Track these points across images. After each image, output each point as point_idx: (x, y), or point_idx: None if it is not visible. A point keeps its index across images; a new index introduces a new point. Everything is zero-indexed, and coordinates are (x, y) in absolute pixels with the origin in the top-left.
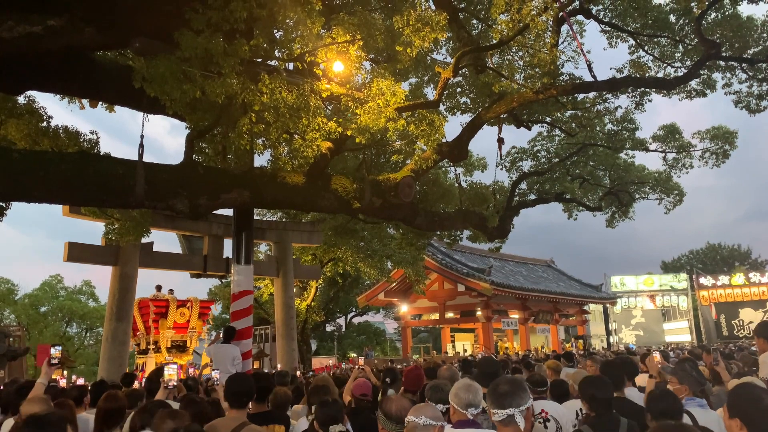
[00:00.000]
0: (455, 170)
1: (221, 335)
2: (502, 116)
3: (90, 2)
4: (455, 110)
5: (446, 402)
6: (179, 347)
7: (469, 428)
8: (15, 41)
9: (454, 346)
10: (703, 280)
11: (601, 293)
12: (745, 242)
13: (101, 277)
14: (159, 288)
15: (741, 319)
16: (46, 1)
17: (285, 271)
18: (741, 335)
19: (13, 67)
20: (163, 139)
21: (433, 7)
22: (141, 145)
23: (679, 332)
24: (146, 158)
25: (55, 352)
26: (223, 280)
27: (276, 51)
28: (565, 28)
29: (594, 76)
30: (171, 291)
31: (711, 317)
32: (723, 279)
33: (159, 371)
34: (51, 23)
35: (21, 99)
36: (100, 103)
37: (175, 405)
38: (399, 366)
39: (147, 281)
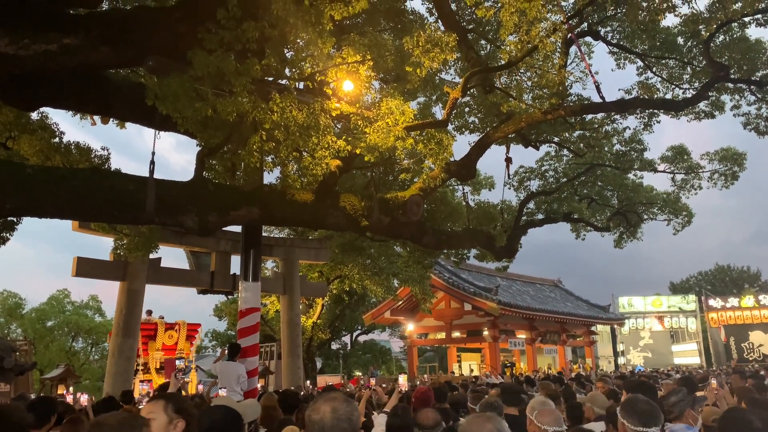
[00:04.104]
0: (463, 189)
1: (226, 352)
2: (510, 136)
3: (105, 21)
4: (463, 129)
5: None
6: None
7: None
8: (31, 59)
9: (460, 366)
10: (712, 302)
11: (609, 314)
12: (753, 264)
13: (108, 292)
14: (150, 312)
15: (751, 341)
16: (62, 20)
17: (291, 288)
18: (751, 358)
19: (27, 83)
20: (169, 155)
21: (443, 29)
22: (152, 162)
23: (688, 354)
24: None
25: (180, 364)
26: (230, 297)
27: (287, 70)
28: (573, 49)
29: (602, 97)
30: (161, 317)
31: (720, 340)
32: (732, 301)
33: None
34: (66, 41)
35: (34, 115)
36: (111, 119)
37: None
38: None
39: (154, 296)
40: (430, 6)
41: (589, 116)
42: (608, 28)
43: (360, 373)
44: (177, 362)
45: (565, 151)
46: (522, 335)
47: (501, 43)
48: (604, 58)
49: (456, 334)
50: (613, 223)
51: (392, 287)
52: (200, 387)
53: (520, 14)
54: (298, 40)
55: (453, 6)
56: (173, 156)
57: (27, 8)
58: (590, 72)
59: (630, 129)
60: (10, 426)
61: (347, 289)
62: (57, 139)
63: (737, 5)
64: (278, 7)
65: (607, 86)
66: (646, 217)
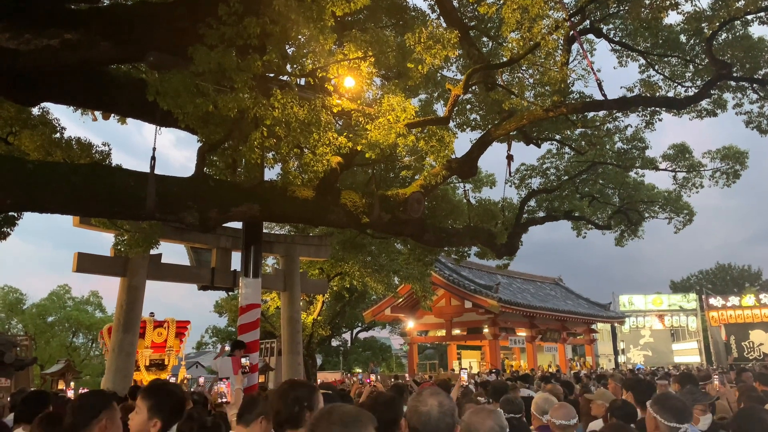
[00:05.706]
0: (464, 186)
1: (227, 348)
2: (511, 133)
3: (106, 17)
4: (465, 127)
5: (517, 413)
6: (158, 365)
7: None
8: (32, 54)
9: (460, 364)
10: (712, 301)
11: (609, 312)
12: (754, 263)
13: (109, 288)
14: None
15: (751, 340)
16: (63, 15)
17: (292, 284)
18: (751, 357)
19: (29, 79)
20: (169, 151)
21: (445, 25)
22: (153, 158)
23: (688, 353)
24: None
25: (245, 362)
26: (230, 293)
27: (288, 66)
28: (575, 46)
29: (604, 95)
30: (152, 314)
31: (721, 338)
32: (733, 300)
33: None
34: (68, 37)
35: (35, 110)
36: (112, 115)
37: None
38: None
39: (154, 292)
40: (432, 2)
41: (591, 114)
42: (611, 26)
43: (360, 370)
44: (242, 360)
45: (567, 149)
46: (522, 333)
47: (503, 40)
48: (606, 55)
49: (456, 331)
50: (614, 222)
51: (393, 284)
52: (201, 380)
53: (523, 11)
54: (300, 37)
55: (455, 2)
56: (173, 152)
57: (28, 3)
58: (592, 69)
59: (632, 127)
60: (177, 401)
61: (348, 286)
62: (58, 135)
63: (740, 3)
64: (280, 3)
65: (609, 84)
66: (647, 215)
